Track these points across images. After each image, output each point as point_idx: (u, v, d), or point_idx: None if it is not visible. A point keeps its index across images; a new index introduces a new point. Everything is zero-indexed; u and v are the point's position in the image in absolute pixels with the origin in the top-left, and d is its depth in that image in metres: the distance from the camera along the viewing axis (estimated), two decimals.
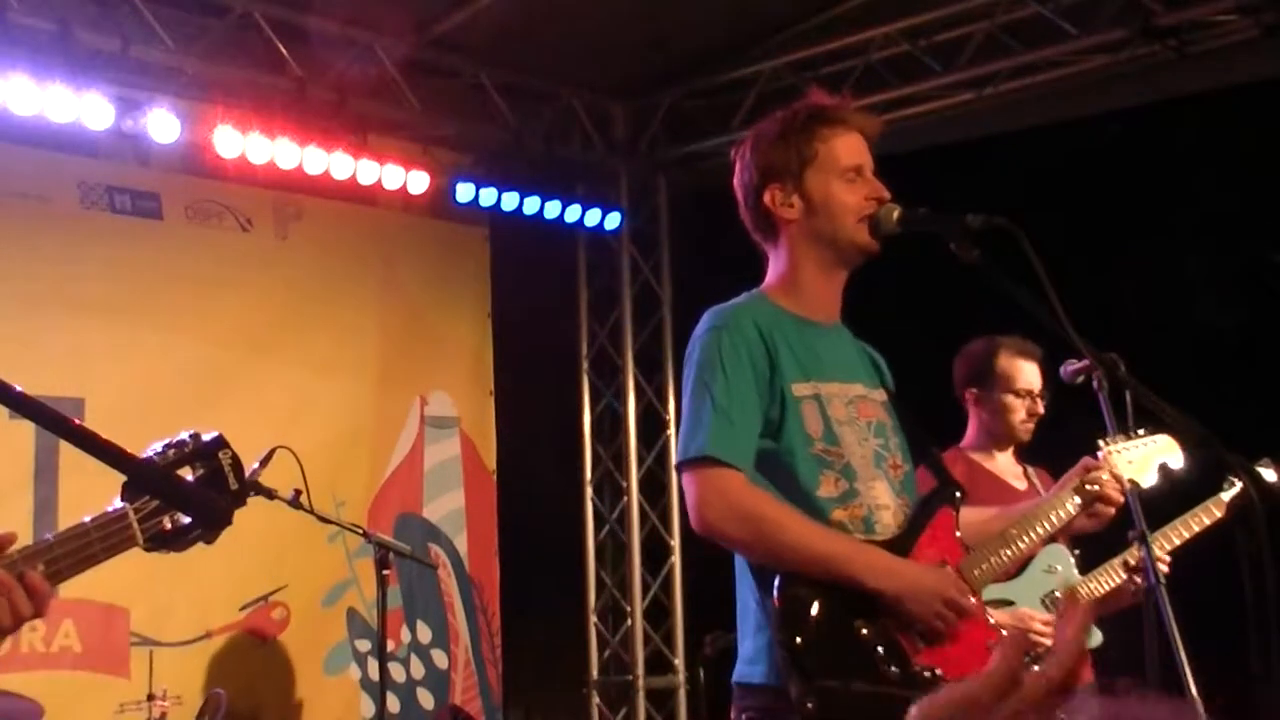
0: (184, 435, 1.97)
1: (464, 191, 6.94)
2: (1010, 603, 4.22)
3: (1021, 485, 4.45)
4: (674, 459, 2.88)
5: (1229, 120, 6.14)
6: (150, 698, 5.27)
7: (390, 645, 6.35)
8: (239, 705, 6.02)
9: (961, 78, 6.56)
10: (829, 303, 2.91)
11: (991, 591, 4.20)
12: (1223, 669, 2.79)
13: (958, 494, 2.87)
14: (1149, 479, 3.20)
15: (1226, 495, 4.02)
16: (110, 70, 5.71)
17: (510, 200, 7.09)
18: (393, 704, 6.57)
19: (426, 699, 6.94)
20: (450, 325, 7.38)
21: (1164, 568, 4.06)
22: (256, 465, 4.48)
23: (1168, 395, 2.76)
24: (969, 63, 6.49)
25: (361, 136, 6.48)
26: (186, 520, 1.97)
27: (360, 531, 5.01)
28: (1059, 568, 4.31)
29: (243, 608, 6.30)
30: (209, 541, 1.97)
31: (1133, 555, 4.11)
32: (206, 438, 1.97)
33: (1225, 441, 2.76)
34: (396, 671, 6.75)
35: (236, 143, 6.06)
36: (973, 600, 2.71)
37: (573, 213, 7.36)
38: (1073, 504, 2.96)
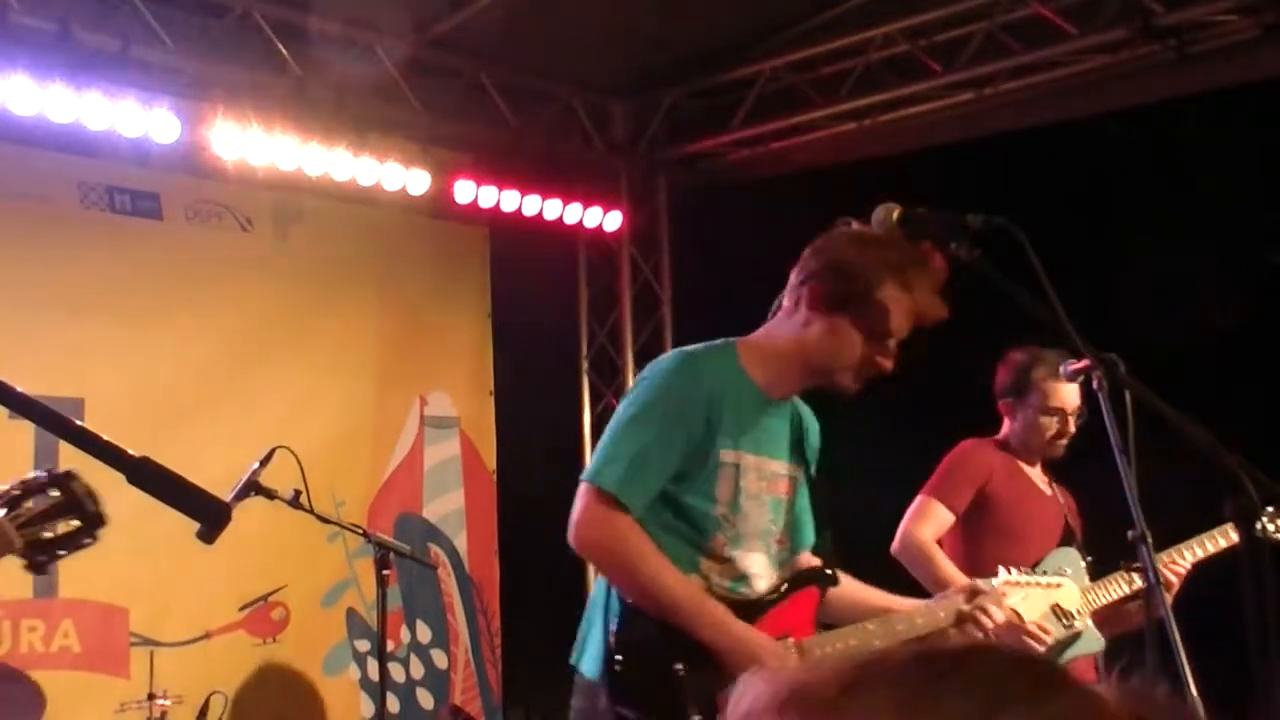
0: (39, 471, 2.02)
1: (464, 191, 6.94)
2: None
3: (1048, 492, 4.46)
4: (584, 470, 2.97)
5: (1229, 120, 6.14)
6: (150, 697, 5.27)
7: (390, 645, 6.35)
8: (239, 705, 6.02)
9: (961, 78, 6.55)
10: (789, 387, 3.06)
11: None
12: (1223, 671, 2.79)
13: (829, 576, 3.04)
14: (1032, 616, 3.46)
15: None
16: (110, 70, 5.70)
17: (510, 200, 7.09)
18: (392, 704, 6.57)
19: (426, 699, 6.94)
20: (450, 325, 7.38)
21: (1181, 570, 4.07)
22: (256, 465, 4.49)
23: (1168, 396, 2.76)
24: (969, 63, 6.49)
25: (361, 136, 6.48)
26: (69, 527, 1.98)
27: (360, 531, 5.01)
28: (1068, 571, 4.31)
29: (242, 608, 6.30)
30: (209, 541, 1.97)
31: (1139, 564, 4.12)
32: (58, 471, 2.01)
33: (1225, 442, 2.76)
34: (396, 672, 6.75)
35: (236, 143, 6.06)
36: None
37: (573, 213, 7.36)
38: (944, 617, 3.09)
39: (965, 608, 3.10)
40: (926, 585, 4.19)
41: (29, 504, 1.98)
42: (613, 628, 2.83)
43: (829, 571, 3.04)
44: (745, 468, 2.93)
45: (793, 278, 3.06)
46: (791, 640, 2.90)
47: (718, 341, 3.05)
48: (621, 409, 2.96)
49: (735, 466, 2.92)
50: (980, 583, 3.21)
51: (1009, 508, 4.34)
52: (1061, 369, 2.97)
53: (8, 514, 1.97)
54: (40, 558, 1.99)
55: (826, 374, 3.02)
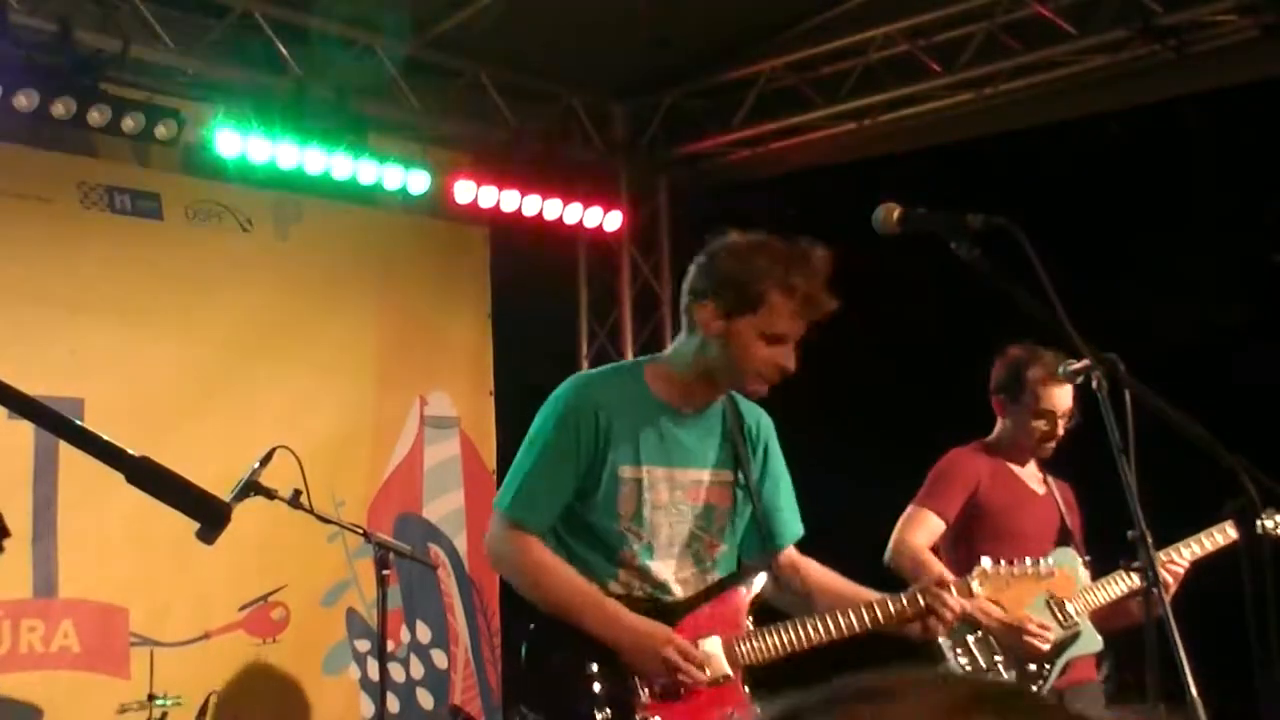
0: None
1: (464, 191, 6.94)
2: None
3: (1041, 490, 4.45)
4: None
5: (1229, 120, 6.14)
6: (150, 698, 5.27)
7: (390, 645, 6.35)
8: (238, 705, 6.02)
9: (961, 78, 6.56)
10: (701, 399, 3.13)
11: None
12: (1223, 670, 2.79)
13: (755, 578, 3.12)
14: (1026, 608, 3.45)
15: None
16: (110, 70, 5.70)
17: (510, 200, 7.09)
18: (392, 704, 6.57)
19: (426, 699, 6.94)
20: (450, 325, 7.38)
21: (1180, 568, 4.07)
22: (256, 465, 4.49)
23: (1168, 396, 2.76)
24: (969, 63, 6.49)
25: (361, 136, 6.48)
26: None
27: (360, 531, 5.01)
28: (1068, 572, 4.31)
29: (242, 608, 6.30)
30: (209, 541, 1.97)
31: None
32: None
33: (1225, 442, 2.76)
34: (396, 672, 6.75)
35: (236, 143, 6.06)
36: (721, 669, 2.95)
37: (573, 213, 7.36)
38: (897, 610, 3.10)
39: (921, 601, 3.10)
40: None
41: None
42: (523, 649, 3.03)
43: (754, 574, 3.13)
44: (652, 481, 3.04)
45: (683, 297, 3.14)
46: (717, 638, 2.99)
47: (625, 362, 3.24)
48: (528, 435, 3.15)
49: (637, 482, 3.03)
50: (950, 577, 3.21)
51: (1001, 512, 4.34)
52: (1061, 369, 2.97)
53: None
54: None
55: (730, 384, 3.11)
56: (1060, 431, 4.36)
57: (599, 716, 2.89)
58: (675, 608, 3.02)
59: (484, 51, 6.79)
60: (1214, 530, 4.23)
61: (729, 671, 2.97)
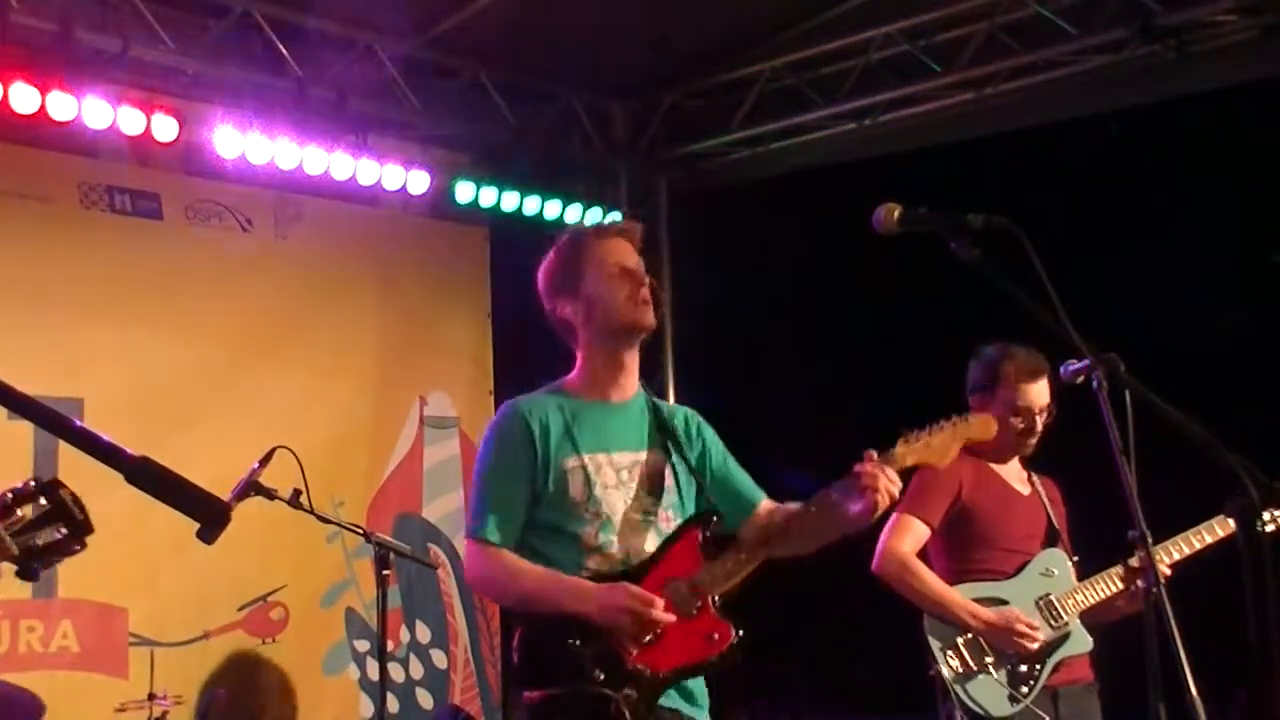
0: (27, 480, 2.04)
1: (464, 191, 6.94)
2: (1004, 601, 4.23)
3: (1025, 490, 4.45)
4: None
5: (1229, 120, 6.14)
6: (150, 698, 5.27)
7: (389, 645, 6.35)
8: (238, 706, 6.03)
9: (961, 78, 6.55)
10: (620, 382, 3.37)
11: (985, 590, 4.24)
12: (1223, 670, 2.79)
13: (710, 518, 3.28)
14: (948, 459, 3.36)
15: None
16: (110, 70, 5.70)
17: (510, 200, 7.09)
18: (392, 704, 6.57)
19: (425, 699, 6.94)
20: (450, 325, 7.38)
21: (1165, 569, 4.07)
22: (256, 465, 4.48)
23: (1168, 396, 2.76)
24: (969, 63, 6.49)
25: (361, 136, 6.48)
26: (58, 535, 2.00)
27: (360, 531, 5.01)
28: (1055, 571, 4.32)
29: (241, 608, 6.30)
30: (209, 542, 1.97)
31: (1133, 561, 4.12)
32: (45, 479, 2.03)
33: (1225, 442, 2.76)
34: (395, 671, 6.75)
35: (236, 143, 6.06)
36: (679, 607, 3.14)
37: (573, 213, 7.36)
38: (815, 510, 3.21)
39: (854, 481, 3.18)
40: (909, 598, 4.19)
41: (21, 511, 1.99)
42: (514, 646, 3.24)
43: (705, 515, 3.28)
44: (596, 465, 3.25)
45: (550, 325, 3.49)
46: (681, 579, 3.16)
47: (538, 389, 3.44)
48: (475, 466, 3.36)
49: (582, 469, 3.24)
50: (871, 451, 3.23)
51: (986, 515, 4.34)
52: (1062, 369, 2.96)
53: (1, 521, 1.97)
54: (34, 565, 2.00)
55: (620, 334, 3.33)
56: (1039, 427, 4.36)
57: (597, 677, 3.07)
58: (636, 571, 3.20)
59: (484, 51, 6.79)
60: (1201, 529, 4.23)
61: (696, 604, 3.15)
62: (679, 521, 3.31)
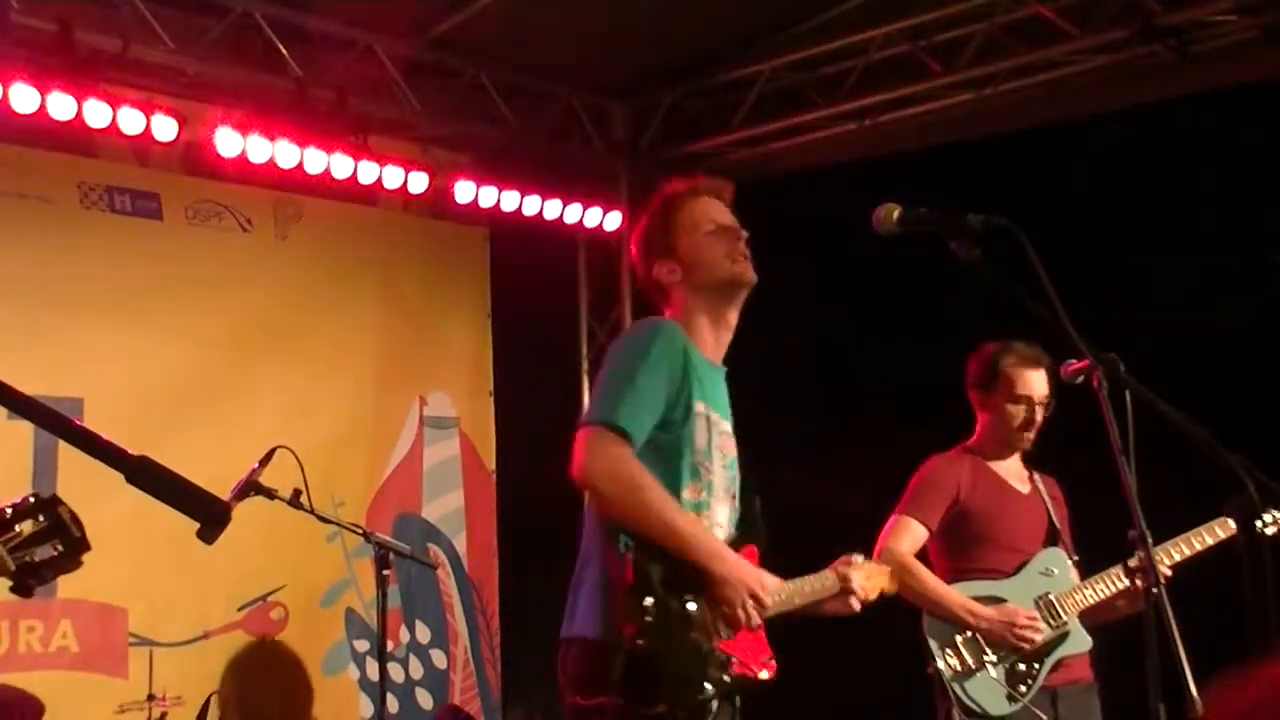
0: (26, 495, 2.03)
1: (464, 191, 6.94)
2: (1003, 600, 4.24)
3: (1025, 489, 4.45)
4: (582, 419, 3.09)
5: (1229, 120, 6.14)
6: (150, 698, 5.27)
7: (389, 645, 6.36)
8: (238, 706, 6.02)
9: (961, 78, 6.55)
10: (718, 345, 3.29)
11: (984, 589, 4.24)
12: (1223, 670, 2.79)
13: (758, 533, 3.24)
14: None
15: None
16: (110, 70, 5.70)
17: (510, 200, 7.09)
18: (392, 704, 6.57)
19: (425, 699, 6.94)
20: (450, 325, 7.38)
21: (1166, 570, 4.07)
22: (256, 465, 4.49)
23: (1168, 396, 2.76)
24: (969, 63, 6.49)
25: (361, 136, 6.48)
26: (55, 552, 1.99)
27: (360, 531, 5.01)
28: (1055, 571, 4.32)
29: (241, 608, 6.30)
30: (209, 541, 1.97)
31: (1133, 561, 4.12)
32: (44, 496, 2.03)
33: (1225, 442, 2.76)
34: (395, 672, 6.75)
35: (236, 143, 6.06)
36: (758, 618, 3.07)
37: (573, 213, 7.36)
38: (830, 585, 3.33)
39: (843, 574, 3.34)
40: (908, 598, 4.20)
41: (19, 527, 1.99)
42: (627, 574, 2.92)
43: (759, 531, 3.26)
44: (712, 421, 3.15)
45: (645, 289, 3.38)
46: None
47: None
48: (610, 363, 3.14)
49: (706, 418, 3.12)
50: (853, 558, 3.40)
51: (985, 515, 4.34)
52: (1062, 369, 2.97)
53: (0, 536, 1.98)
54: (29, 580, 2.00)
55: (721, 289, 3.25)
56: (1039, 418, 4.36)
57: (702, 644, 2.94)
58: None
59: (484, 52, 6.79)
60: (1202, 530, 4.24)
61: (760, 620, 3.08)
62: (739, 508, 3.23)
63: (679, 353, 3.09)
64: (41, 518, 2.00)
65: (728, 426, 3.22)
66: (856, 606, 3.33)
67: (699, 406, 3.10)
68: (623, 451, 2.95)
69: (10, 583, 1.99)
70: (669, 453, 3.05)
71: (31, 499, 2.02)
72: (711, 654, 2.95)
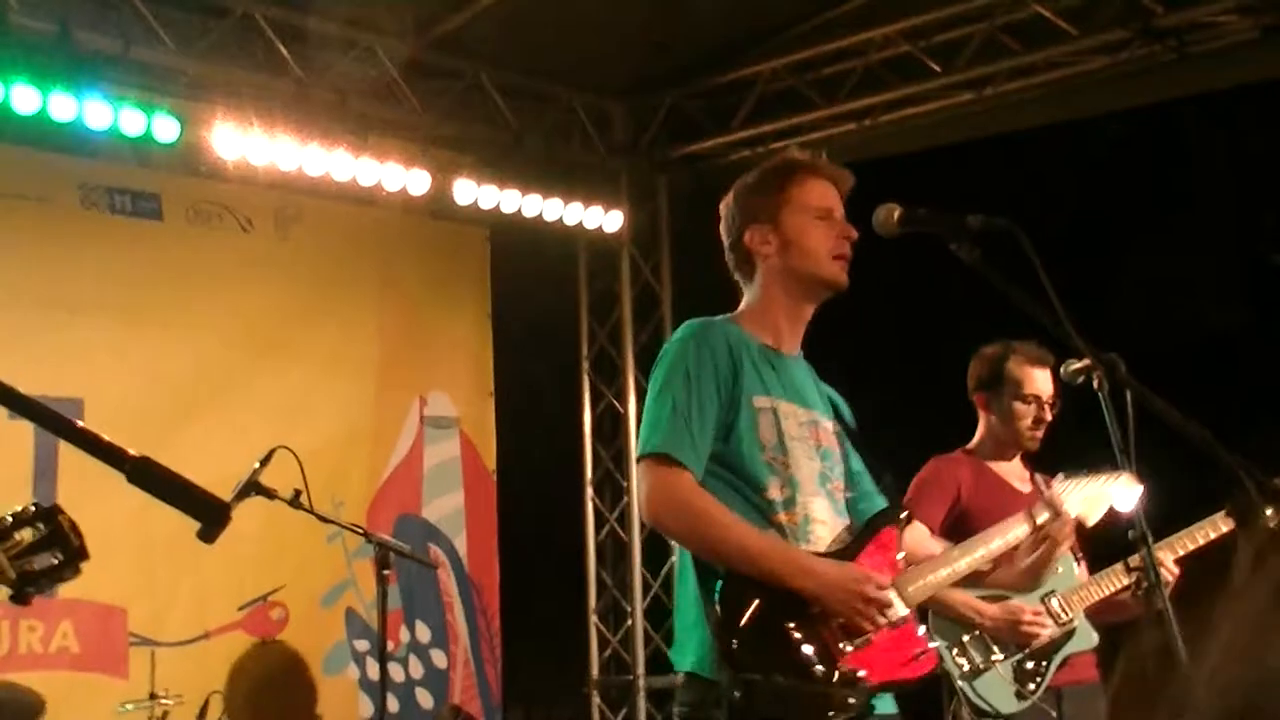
0: (27, 505, 2.04)
1: (464, 191, 6.94)
2: (1007, 598, 4.23)
3: (1026, 489, 4.45)
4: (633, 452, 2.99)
5: (1229, 120, 6.14)
6: (151, 697, 5.27)
7: (389, 645, 6.35)
8: (238, 706, 6.02)
9: (961, 78, 6.56)
10: (793, 335, 3.10)
11: (988, 588, 4.23)
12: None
13: (903, 515, 3.07)
14: (1096, 517, 3.49)
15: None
16: (110, 70, 5.70)
17: (510, 200, 7.09)
18: (392, 704, 6.57)
19: (425, 699, 6.94)
20: (450, 325, 7.38)
21: (1169, 576, 4.06)
22: (257, 465, 4.48)
23: (1168, 396, 2.76)
24: (969, 63, 6.49)
25: (361, 136, 6.48)
26: (54, 561, 1.99)
27: (360, 531, 5.01)
28: (1060, 568, 4.32)
29: (241, 608, 6.30)
30: (209, 541, 1.97)
31: (1134, 560, 4.12)
32: (44, 505, 2.03)
33: (1225, 442, 2.76)
34: (395, 671, 6.75)
35: (237, 143, 6.06)
36: (900, 610, 2.87)
37: (573, 213, 7.36)
38: (1020, 532, 3.28)
39: (1040, 522, 3.32)
40: None
41: (19, 536, 1.99)
42: (716, 610, 2.76)
43: (900, 511, 3.06)
44: (782, 413, 2.94)
45: (728, 257, 3.15)
46: (889, 580, 2.89)
47: (716, 317, 3.11)
48: (651, 386, 2.98)
49: (773, 411, 2.92)
50: (1046, 493, 3.36)
51: (986, 515, 4.32)
52: (1062, 369, 2.97)
53: (1, 544, 1.98)
54: (28, 589, 2.00)
55: (811, 285, 3.05)
56: (1048, 417, 4.36)
57: (816, 672, 2.72)
58: (839, 554, 2.89)
59: (484, 52, 6.79)
60: (1205, 525, 4.23)
61: (905, 612, 2.87)
62: (851, 495, 3.04)
63: (722, 353, 2.92)
64: (42, 526, 2.00)
65: (812, 414, 3.02)
66: (1057, 549, 3.27)
67: (759, 401, 2.91)
68: (679, 480, 2.79)
69: (9, 591, 1.99)
70: (736, 459, 2.88)
71: (32, 507, 2.02)
72: (829, 676, 2.72)
